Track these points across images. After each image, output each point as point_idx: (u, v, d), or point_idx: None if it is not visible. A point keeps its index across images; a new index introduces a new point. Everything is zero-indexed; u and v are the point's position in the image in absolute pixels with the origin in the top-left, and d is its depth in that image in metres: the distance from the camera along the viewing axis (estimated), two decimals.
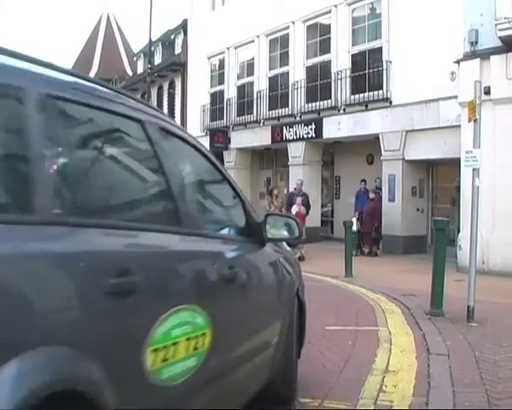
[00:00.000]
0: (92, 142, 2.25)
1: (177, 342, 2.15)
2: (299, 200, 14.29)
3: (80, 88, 2.13)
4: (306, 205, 14.68)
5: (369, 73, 15.94)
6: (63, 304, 1.67)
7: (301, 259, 13.15)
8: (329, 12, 17.05)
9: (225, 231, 3.22)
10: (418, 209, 15.36)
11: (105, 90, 2.31)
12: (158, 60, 29.72)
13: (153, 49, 27.15)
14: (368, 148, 16.79)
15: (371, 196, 15.26)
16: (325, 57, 17.44)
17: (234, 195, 3.25)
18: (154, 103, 27.81)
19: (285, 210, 13.71)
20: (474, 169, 6.70)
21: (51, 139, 1.87)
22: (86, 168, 2.12)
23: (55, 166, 1.91)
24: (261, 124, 19.77)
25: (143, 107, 2.56)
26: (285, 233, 3.45)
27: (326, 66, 17.33)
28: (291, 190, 15.64)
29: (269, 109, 19.39)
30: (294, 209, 13.83)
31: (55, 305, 1.64)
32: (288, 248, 4.15)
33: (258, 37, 19.86)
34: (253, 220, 3.23)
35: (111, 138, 2.38)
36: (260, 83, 19.90)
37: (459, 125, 11.70)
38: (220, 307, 2.55)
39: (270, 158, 21.87)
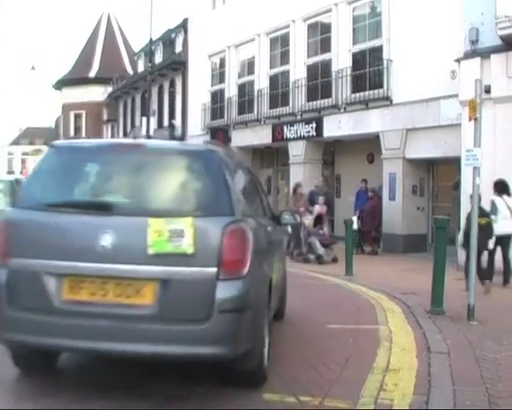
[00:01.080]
0: (249, 183, 5.09)
1: (275, 273, 4.99)
2: (321, 200, 14.05)
3: (239, 162, 5.07)
4: (328, 204, 14.50)
5: (369, 71, 15.95)
6: (266, 243, 4.64)
7: (335, 260, 12.98)
8: (330, 10, 17.05)
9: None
10: (419, 208, 15.36)
11: (239, 161, 5.18)
12: (158, 59, 29.69)
13: (153, 48, 27.14)
14: (368, 146, 16.79)
15: (370, 194, 15.27)
16: (326, 56, 17.44)
17: (264, 199, 5.92)
18: (155, 102, 27.90)
19: (310, 207, 13.74)
20: (474, 168, 6.70)
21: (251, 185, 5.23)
22: (252, 196, 5.02)
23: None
24: (262, 122, 19.78)
25: (247, 165, 5.79)
26: (291, 220, 6.15)
27: (326, 64, 17.33)
28: (312, 188, 15.45)
29: (269, 108, 19.40)
30: (316, 210, 13.66)
31: (265, 243, 4.55)
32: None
33: (258, 35, 19.86)
34: (273, 212, 5.95)
35: (251, 180, 5.29)
36: (261, 81, 19.91)
37: (460, 124, 11.69)
38: (275, 257, 5.20)
39: (271, 157, 21.89)
